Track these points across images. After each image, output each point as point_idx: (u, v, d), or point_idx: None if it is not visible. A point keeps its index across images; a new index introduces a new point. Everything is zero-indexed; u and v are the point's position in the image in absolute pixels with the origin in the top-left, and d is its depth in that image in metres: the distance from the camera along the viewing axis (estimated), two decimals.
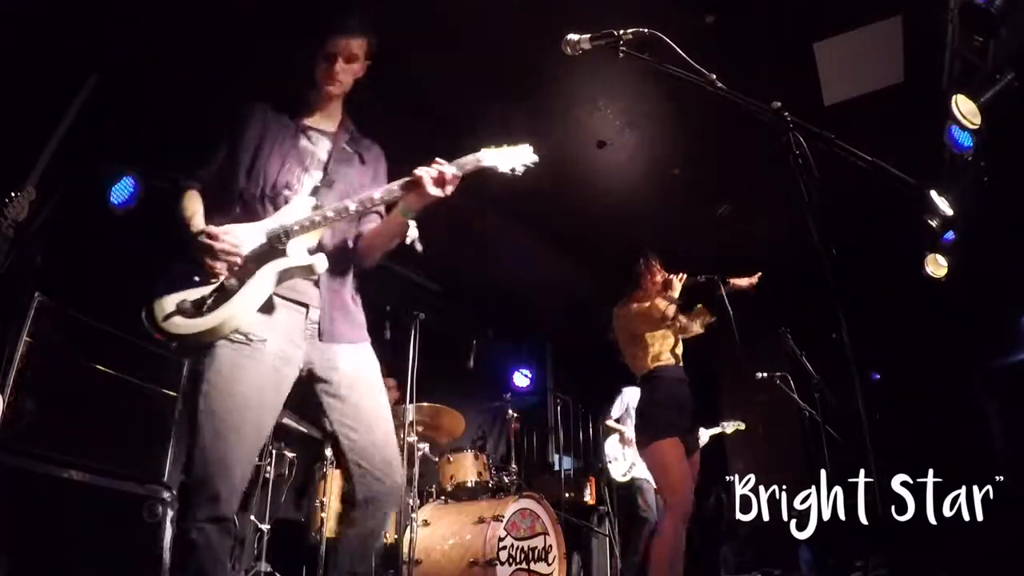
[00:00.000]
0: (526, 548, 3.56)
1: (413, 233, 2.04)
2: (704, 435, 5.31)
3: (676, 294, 3.27)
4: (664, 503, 3.06)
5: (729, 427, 5.51)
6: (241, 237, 1.84)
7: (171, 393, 3.47)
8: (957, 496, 3.88)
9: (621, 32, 1.72)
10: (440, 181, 1.89)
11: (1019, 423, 4.84)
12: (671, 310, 3.17)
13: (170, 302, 1.77)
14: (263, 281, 1.83)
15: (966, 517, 3.79)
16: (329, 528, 3.48)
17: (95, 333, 3.21)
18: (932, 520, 3.72)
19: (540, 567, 3.60)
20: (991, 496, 4.01)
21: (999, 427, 5.03)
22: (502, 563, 3.35)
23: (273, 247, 1.85)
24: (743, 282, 3.33)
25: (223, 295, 1.79)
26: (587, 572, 5.37)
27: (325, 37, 2.09)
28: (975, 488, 3.93)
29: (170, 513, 3.18)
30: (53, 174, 3.49)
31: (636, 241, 3.49)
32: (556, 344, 8.07)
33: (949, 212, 4.06)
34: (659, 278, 3.38)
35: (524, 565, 3.51)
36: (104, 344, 3.22)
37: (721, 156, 5.09)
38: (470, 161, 1.97)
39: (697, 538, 3.09)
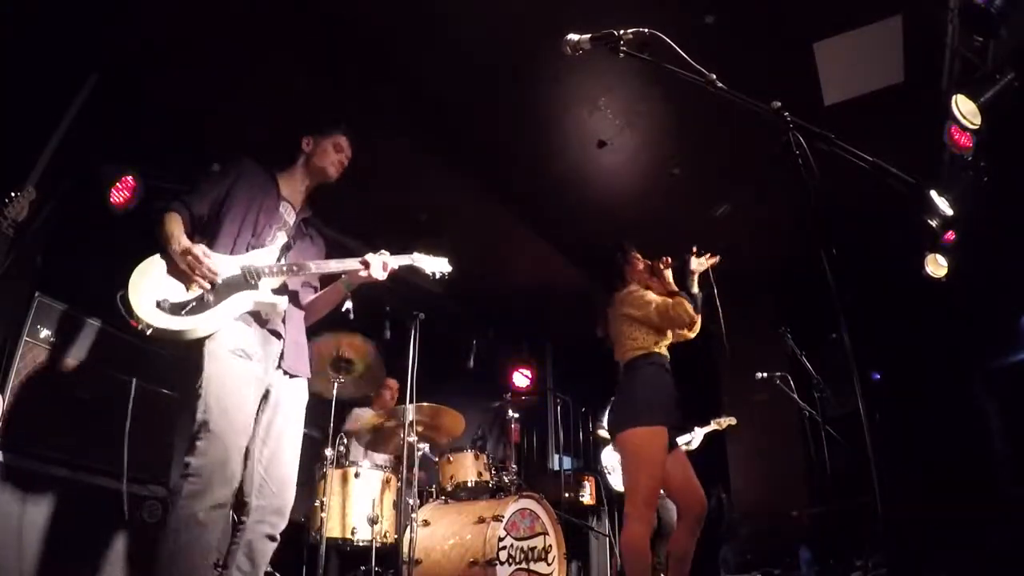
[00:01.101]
0: (526, 548, 3.56)
1: (348, 304, 2.53)
2: (699, 433, 5.27)
3: (671, 281, 3.14)
4: (629, 501, 2.76)
5: (723, 422, 5.45)
6: (220, 265, 2.20)
7: (171, 393, 3.47)
8: (957, 496, 3.88)
9: (621, 32, 1.72)
10: (384, 268, 2.40)
11: (1019, 423, 4.84)
12: (696, 315, 3.02)
13: (150, 296, 2.11)
14: (237, 305, 2.20)
15: (966, 517, 3.78)
16: (329, 528, 3.48)
17: (95, 333, 3.21)
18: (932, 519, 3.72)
19: (540, 567, 3.60)
20: (991, 496, 4.00)
21: (999, 427, 5.03)
22: (502, 563, 3.35)
23: (247, 280, 2.24)
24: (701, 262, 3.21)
25: (201, 306, 2.15)
26: (586, 572, 5.36)
27: (336, 129, 2.56)
28: (975, 488, 3.92)
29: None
30: (53, 174, 3.49)
31: (636, 241, 3.44)
32: (556, 344, 8.07)
33: (949, 212, 4.06)
34: (641, 266, 3.26)
35: (524, 565, 3.51)
36: (104, 344, 3.22)
37: (721, 156, 5.09)
38: (407, 259, 2.49)
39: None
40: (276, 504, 2.19)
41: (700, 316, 3.13)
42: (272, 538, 2.19)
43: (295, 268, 2.35)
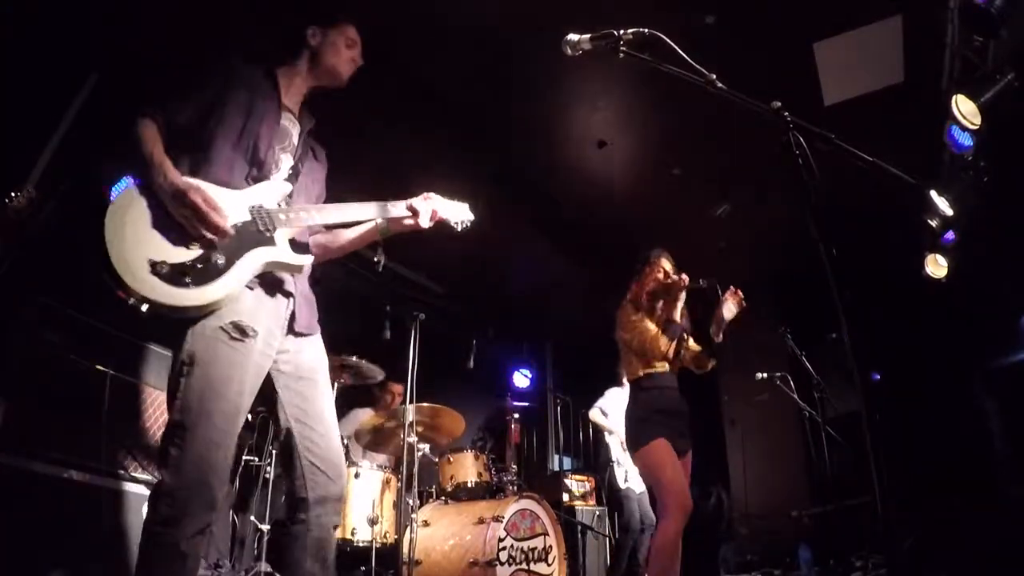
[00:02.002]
0: (526, 548, 3.55)
1: (381, 255, 2.21)
2: None
3: (679, 307, 3.10)
4: (661, 505, 2.95)
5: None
6: (227, 207, 1.68)
7: None
8: (957, 496, 3.87)
9: (621, 32, 1.72)
10: (433, 217, 2.05)
11: (1019, 423, 4.84)
12: (671, 350, 3.05)
13: (140, 255, 1.56)
14: (249, 266, 1.70)
15: (966, 517, 3.78)
16: None
17: (95, 333, 3.22)
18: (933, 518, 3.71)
19: (540, 567, 3.59)
20: (991, 496, 4.00)
21: (999, 427, 5.03)
22: (502, 563, 3.34)
23: (259, 231, 1.75)
24: (731, 307, 3.19)
25: (208, 270, 1.62)
26: (584, 572, 5.36)
27: (344, 20, 2.10)
28: (975, 488, 3.91)
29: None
30: (53, 174, 3.49)
31: (636, 241, 3.44)
32: (556, 344, 8.07)
33: (949, 212, 4.06)
34: (659, 275, 3.21)
35: (524, 565, 3.50)
36: (104, 344, 3.22)
37: (721, 156, 5.10)
38: (449, 206, 2.13)
39: (697, 538, 3.04)
40: (336, 491, 1.82)
41: (711, 360, 3.27)
42: (336, 526, 1.86)
43: (316, 220, 1.89)
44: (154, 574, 1.52)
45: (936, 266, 4.72)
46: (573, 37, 1.77)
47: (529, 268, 6.56)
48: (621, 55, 1.71)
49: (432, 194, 2.09)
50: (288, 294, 1.85)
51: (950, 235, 4.49)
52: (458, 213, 2.16)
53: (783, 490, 6.38)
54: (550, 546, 3.71)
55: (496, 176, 5.26)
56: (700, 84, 1.65)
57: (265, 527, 3.55)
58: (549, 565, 3.65)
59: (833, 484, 4.80)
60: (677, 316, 3.12)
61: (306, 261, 1.83)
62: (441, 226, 2.13)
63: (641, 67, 1.68)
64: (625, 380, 3.25)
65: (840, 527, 4.90)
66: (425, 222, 2.03)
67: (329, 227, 2.10)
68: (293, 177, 1.93)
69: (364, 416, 4.40)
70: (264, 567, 3.43)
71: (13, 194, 2.59)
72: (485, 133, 4.87)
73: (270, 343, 1.77)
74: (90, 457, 3.03)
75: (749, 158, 4.87)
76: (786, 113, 1.55)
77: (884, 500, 1.20)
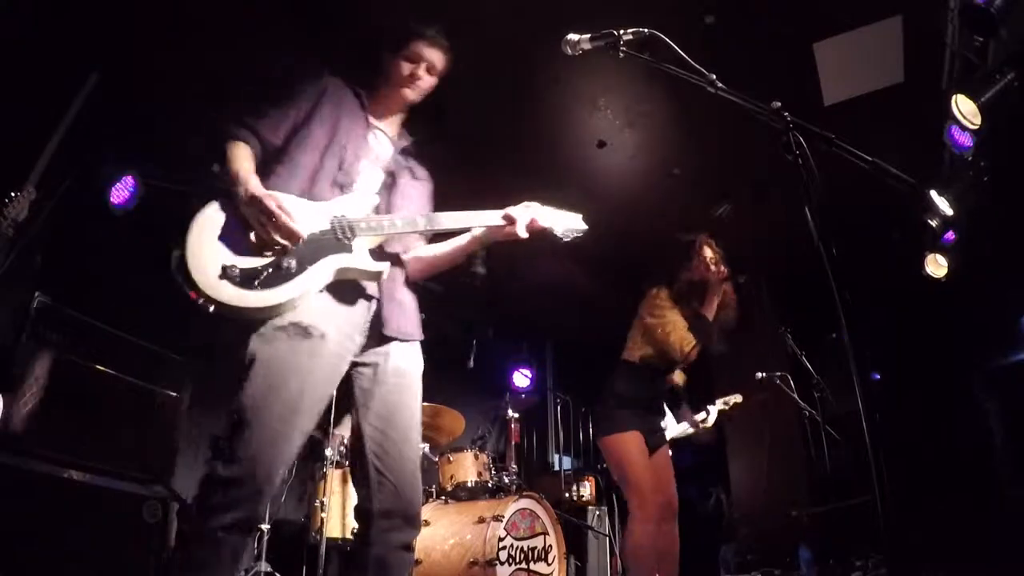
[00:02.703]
0: (526, 548, 3.56)
1: (480, 267, 2.07)
2: (713, 411, 5.20)
3: (716, 301, 2.95)
4: (628, 503, 2.82)
5: (730, 401, 5.29)
6: (304, 216, 1.69)
7: (171, 393, 3.48)
8: (957, 496, 3.87)
9: (621, 32, 1.72)
10: (531, 226, 1.97)
11: (1019, 423, 4.84)
12: (694, 353, 2.91)
13: (213, 258, 1.60)
14: (323, 271, 1.70)
15: (966, 517, 3.78)
16: (329, 528, 3.48)
17: (95, 333, 3.22)
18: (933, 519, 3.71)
19: (540, 567, 3.59)
20: (991, 496, 4.00)
21: (999, 427, 5.04)
22: (502, 563, 3.34)
23: (338, 239, 1.74)
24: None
25: (279, 274, 1.64)
26: (584, 572, 5.36)
27: (409, 38, 2.05)
28: (975, 488, 3.92)
29: (171, 513, 3.18)
30: (53, 174, 3.49)
31: (636, 241, 3.43)
32: (556, 344, 8.07)
33: (949, 212, 4.06)
34: (703, 265, 3.06)
35: (524, 565, 3.51)
36: (104, 344, 3.22)
37: (721, 156, 5.10)
38: (550, 214, 2.04)
39: (697, 538, 3.02)
40: (403, 505, 1.74)
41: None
42: (408, 547, 1.76)
43: (398, 226, 1.83)
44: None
45: (936, 266, 4.71)
46: (573, 37, 1.77)
47: (529, 268, 6.55)
48: (621, 55, 1.71)
49: (533, 203, 2.00)
50: (369, 297, 1.83)
51: (950, 235, 4.49)
52: (565, 223, 2.09)
53: (783, 490, 6.37)
54: (550, 545, 3.71)
55: (495, 176, 5.26)
56: (700, 84, 1.65)
57: (265, 527, 3.55)
58: (549, 564, 3.65)
59: (833, 484, 4.79)
60: (711, 313, 2.99)
61: (382, 267, 1.79)
62: (543, 235, 2.04)
63: (641, 67, 1.68)
64: (625, 356, 3.08)
65: (840, 527, 4.90)
66: (522, 231, 1.95)
67: (430, 240, 2.08)
68: (384, 192, 1.94)
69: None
70: (264, 567, 3.44)
71: (13, 194, 2.59)
72: (484, 134, 4.87)
73: (346, 346, 1.77)
74: (90, 457, 3.04)
75: (749, 158, 4.87)
76: (786, 113, 1.55)
77: (884, 500, 1.20)
